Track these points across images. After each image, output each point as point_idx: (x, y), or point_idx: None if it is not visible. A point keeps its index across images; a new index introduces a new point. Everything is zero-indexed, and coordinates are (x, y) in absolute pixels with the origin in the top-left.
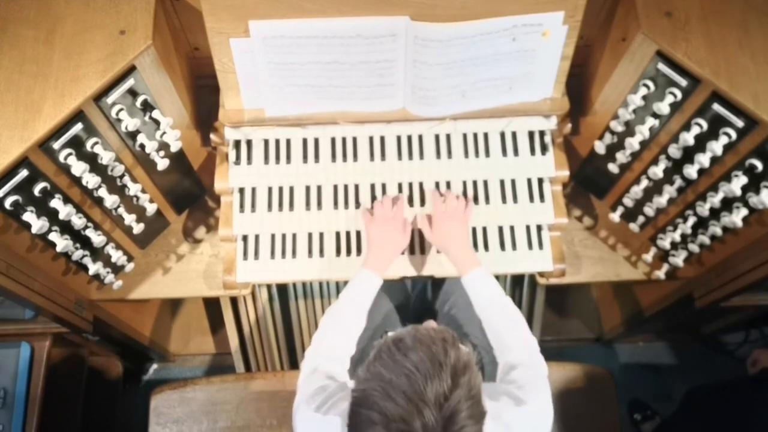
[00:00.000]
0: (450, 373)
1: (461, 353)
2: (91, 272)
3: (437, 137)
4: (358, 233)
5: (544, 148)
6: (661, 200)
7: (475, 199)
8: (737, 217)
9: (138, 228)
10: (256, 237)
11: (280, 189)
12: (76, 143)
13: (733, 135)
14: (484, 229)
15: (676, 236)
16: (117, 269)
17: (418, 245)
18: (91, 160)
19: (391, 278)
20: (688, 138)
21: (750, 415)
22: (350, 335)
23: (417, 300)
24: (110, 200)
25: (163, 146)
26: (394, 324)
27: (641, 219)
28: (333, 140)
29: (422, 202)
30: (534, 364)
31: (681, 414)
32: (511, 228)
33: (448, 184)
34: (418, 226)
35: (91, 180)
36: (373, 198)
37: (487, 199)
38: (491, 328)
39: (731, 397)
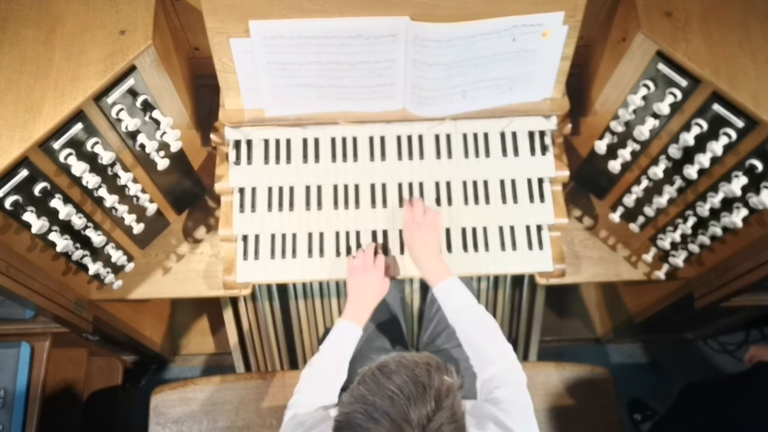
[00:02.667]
0: (434, 396)
1: (445, 377)
2: (91, 272)
3: (437, 137)
4: (358, 233)
5: (544, 148)
6: (661, 200)
7: (476, 199)
8: (737, 217)
9: (138, 228)
10: (256, 237)
11: (280, 189)
12: (76, 143)
13: (733, 135)
14: (485, 229)
15: (676, 236)
16: (117, 269)
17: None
18: (91, 160)
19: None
20: (688, 138)
21: (742, 408)
22: (330, 387)
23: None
24: (110, 200)
25: (163, 146)
26: (390, 332)
27: (641, 219)
28: (333, 140)
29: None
30: (515, 379)
31: (676, 409)
32: (511, 228)
33: (448, 185)
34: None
35: (91, 180)
36: (373, 198)
37: (487, 199)
38: (466, 338)
39: (725, 391)
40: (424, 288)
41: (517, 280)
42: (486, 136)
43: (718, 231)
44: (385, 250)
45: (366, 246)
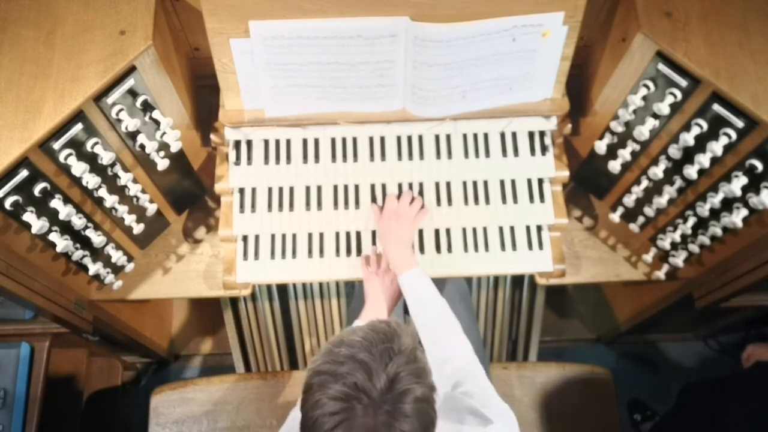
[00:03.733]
0: (395, 342)
1: (402, 330)
2: (91, 272)
3: (437, 137)
4: (358, 234)
5: (544, 149)
6: (661, 200)
7: (476, 200)
8: (737, 217)
9: (138, 228)
10: (256, 237)
11: (280, 189)
12: (76, 143)
13: (733, 135)
14: (485, 229)
15: (676, 236)
16: (117, 269)
17: (417, 246)
18: (91, 160)
19: None
20: (688, 138)
21: (741, 409)
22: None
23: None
24: (110, 200)
25: (163, 146)
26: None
27: (641, 219)
28: (333, 140)
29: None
30: (474, 373)
31: (676, 410)
32: (511, 228)
33: (448, 185)
34: (426, 224)
35: (91, 180)
36: (373, 198)
37: (487, 199)
38: (425, 329)
39: (724, 391)
40: None
41: (517, 280)
42: (486, 136)
43: (718, 231)
44: None
45: (379, 250)
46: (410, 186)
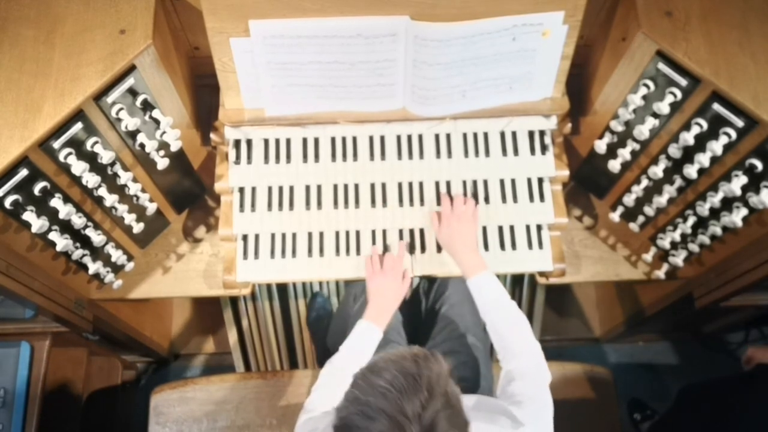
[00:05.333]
0: (425, 385)
1: (433, 365)
2: (91, 272)
3: (437, 137)
4: (358, 233)
5: (544, 148)
6: (661, 200)
7: (475, 199)
8: (737, 216)
9: (138, 227)
10: (256, 236)
11: (280, 188)
12: (76, 143)
13: (733, 135)
14: (484, 229)
15: (676, 236)
16: (117, 269)
17: (419, 245)
18: (91, 159)
19: None
20: (688, 138)
21: (741, 410)
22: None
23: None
24: (110, 200)
25: (163, 146)
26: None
27: (641, 219)
28: (333, 140)
29: (422, 202)
30: (537, 374)
31: (675, 410)
32: (511, 228)
33: (448, 184)
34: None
35: (91, 179)
36: (373, 198)
37: (487, 198)
38: (496, 332)
39: (724, 392)
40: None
41: (517, 279)
42: (486, 135)
43: (718, 230)
44: (385, 248)
45: (379, 251)
46: (410, 185)
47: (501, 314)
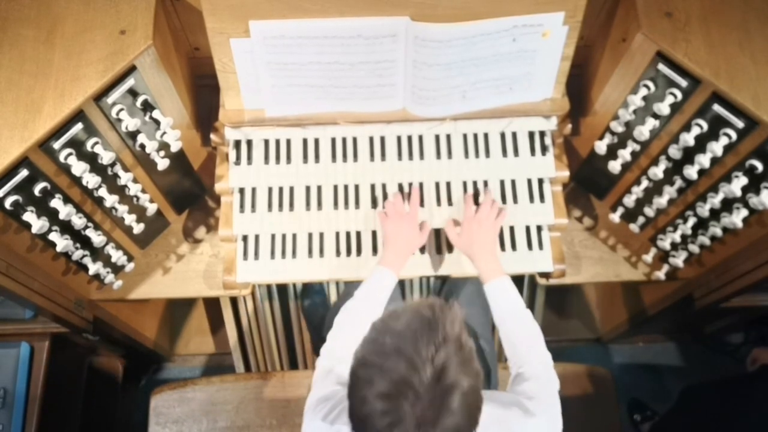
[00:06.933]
0: (440, 329)
1: (448, 313)
2: (91, 272)
3: (437, 137)
4: (359, 233)
5: (544, 149)
6: (662, 201)
7: (475, 199)
8: (737, 217)
9: (138, 228)
10: (256, 237)
11: (280, 189)
12: (76, 143)
13: (734, 136)
14: None
15: (676, 237)
16: (117, 269)
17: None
18: (92, 160)
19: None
20: (689, 138)
21: (744, 411)
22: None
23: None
24: (110, 200)
25: (163, 146)
26: None
27: (641, 219)
28: (333, 140)
29: (422, 203)
30: (547, 381)
31: (677, 411)
32: (511, 228)
33: (448, 185)
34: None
35: (91, 180)
36: (374, 198)
37: None
38: (508, 339)
39: (726, 393)
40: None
41: (517, 280)
42: (486, 136)
43: (718, 231)
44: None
45: (393, 196)
46: (410, 186)
47: (516, 323)
